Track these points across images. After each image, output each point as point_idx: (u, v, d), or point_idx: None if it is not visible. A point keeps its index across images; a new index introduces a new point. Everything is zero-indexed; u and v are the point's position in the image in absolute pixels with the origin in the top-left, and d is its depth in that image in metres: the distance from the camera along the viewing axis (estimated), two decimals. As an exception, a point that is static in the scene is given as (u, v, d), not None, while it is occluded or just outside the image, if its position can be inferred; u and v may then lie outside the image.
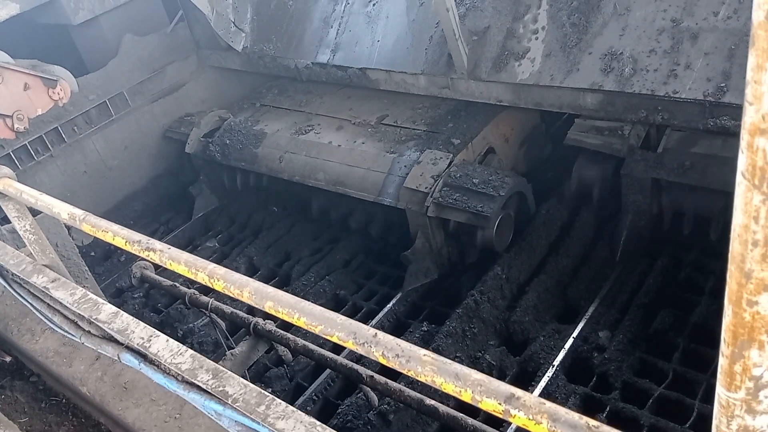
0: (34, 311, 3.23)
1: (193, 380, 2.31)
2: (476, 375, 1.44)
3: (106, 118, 6.70)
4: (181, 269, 2.16)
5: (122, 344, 2.68)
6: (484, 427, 3.13)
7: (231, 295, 1.99)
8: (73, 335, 2.96)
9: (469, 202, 4.92)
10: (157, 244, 2.29)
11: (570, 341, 4.53)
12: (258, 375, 4.84)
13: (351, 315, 5.08)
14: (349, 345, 1.66)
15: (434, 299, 5.34)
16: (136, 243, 2.35)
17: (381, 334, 1.63)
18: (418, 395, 3.45)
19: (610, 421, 3.82)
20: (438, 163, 5.22)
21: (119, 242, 2.43)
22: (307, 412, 3.41)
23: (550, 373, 4.31)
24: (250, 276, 2.09)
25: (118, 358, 2.69)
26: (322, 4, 6.46)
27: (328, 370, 4.60)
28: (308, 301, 1.85)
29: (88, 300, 2.84)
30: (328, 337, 1.71)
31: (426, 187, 5.11)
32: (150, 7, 6.96)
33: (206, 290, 4.55)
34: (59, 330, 3.09)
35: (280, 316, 1.83)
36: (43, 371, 3.70)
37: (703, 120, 4.43)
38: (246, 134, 6.43)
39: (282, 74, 6.93)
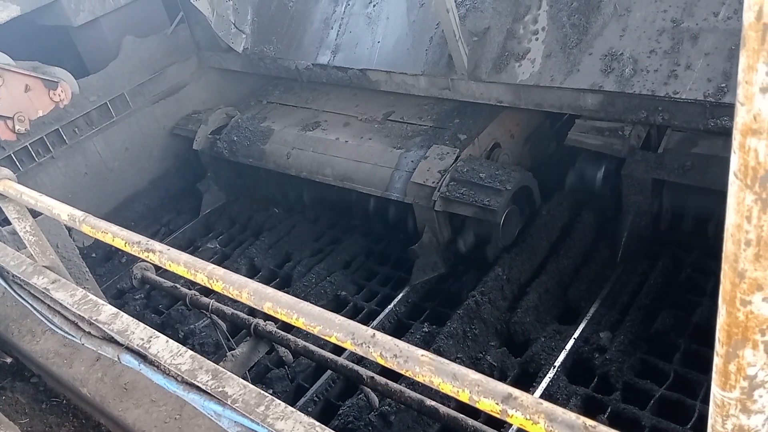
0: (35, 312, 3.24)
1: (192, 381, 2.31)
2: (474, 375, 1.44)
3: (107, 120, 6.71)
4: (180, 270, 2.16)
5: (122, 345, 2.68)
6: (485, 428, 3.13)
7: (230, 295, 1.99)
8: (73, 336, 2.97)
9: (476, 196, 4.96)
10: (157, 245, 2.30)
11: (571, 342, 4.53)
12: (259, 376, 4.85)
13: (352, 316, 5.09)
14: (348, 345, 1.66)
15: (435, 300, 5.34)
16: (136, 244, 2.36)
17: (379, 335, 1.63)
18: (419, 396, 3.45)
19: (611, 422, 3.83)
20: (445, 158, 5.27)
21: (119, 243, 2.43)
22: (308, 414, 3.41)
23: (551, 374, 4.31)
24: (251, 277, 2.09)
25: (119, 359, 2.70)
26: (323, 5, 6.47)
27: (329, 372, 4.60)
28: (309, 302, 1.86)
29: (89, 301, 2.85)
30: (327, 338, 1.71)
31: (433, 182, 5.16)
32: (150, 8, 6.98)
33: (207, 291, 4.57)
34: (60, 331, 3.10)
35: (278, 316, 1.84)
36: (43, 372, 3.70)
37: (704, 120, 4.43)
38: (253, 131, 6.50)
39: (282, 75, 6.94)
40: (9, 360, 3.92)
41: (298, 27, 6.59)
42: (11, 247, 3.47)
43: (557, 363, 4.38)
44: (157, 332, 2.57)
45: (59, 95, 6.23)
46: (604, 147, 4.98)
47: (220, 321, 4.27)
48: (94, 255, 6.48)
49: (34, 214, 3.21)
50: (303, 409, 4.40)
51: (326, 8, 6.44)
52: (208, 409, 2.28)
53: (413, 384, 3.89)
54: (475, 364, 4.58)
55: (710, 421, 1.04)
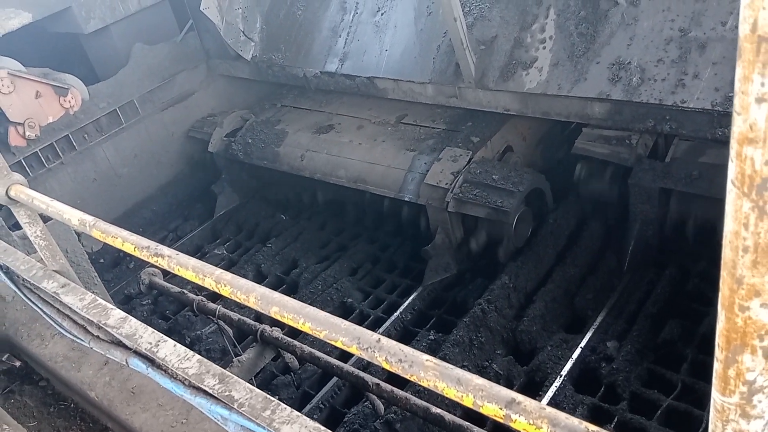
0: (44, 316, 3.27)
1: (199, 385, 2.33)
2: (478, 380, 1.45)
3: (117, 126, 6.77)
4: (188, 275, 2.18)
5: (130, 349, 2.70)
6: (490, 435, 3.13)
7: (237, 300, 2.01)
8: (81, 340, 2.99)
9: (489, 197, 5.00)
10: (166, 250, 2.32)
11: (578, 351, 4.52)
12: (265, 383, 4.86)
13: (358, 323, 5.04)
14: (353, 350, 1.68)
15: (441, 308, 5.35)
16: (145, 249, 2.38)
17: (384, 339, 1.64)
18: (425, 403, 3.45)
19: None
20: (458, 160, 5.32)
21: (128, 248, 2.46)
22: (314, 421, 3.42)
23: (557, 383, 4.30)
24: (258, 284, 2.11)
25: (126, 362, 2.72)
26: (331, 13, 6.52)
27: (334, 378, 4.60)
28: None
29: (97, 305, 2.87)
30: (333, 342, 1.73)
31: (446, 183, 5.21)
32: (160, 16, 7.05)
33: (214, 297, 4.60)
34: (68, 335, 3.12)
35: (285, 321, 1.85)
36: (52, 376, 3.73)
37: (712, 129, 4.43)
38: (268, 133, 6.59)
39: (291, 83, 6.99)
40: (18, 363, 3.95)
41: (307, 35, 6.64)
42: (22, 252, 3.50)
43: (564, 372, 4.37)
44: (165, 336, 2.58)
45: (69, 102, 6.29)
46: (612, 156, 4.99)
47: (226, 327, 4.29)
48: (102, 260, 6.53)
49: (45, 219, 3.25)
50: (309, 416, 4.40)
51: (334, 16, 6.49)
52: (214, 413, 2.30)
53: (419, 391, 3.89)
54: (481, 373, 4.57)
55: (710, 426, 1.05)
